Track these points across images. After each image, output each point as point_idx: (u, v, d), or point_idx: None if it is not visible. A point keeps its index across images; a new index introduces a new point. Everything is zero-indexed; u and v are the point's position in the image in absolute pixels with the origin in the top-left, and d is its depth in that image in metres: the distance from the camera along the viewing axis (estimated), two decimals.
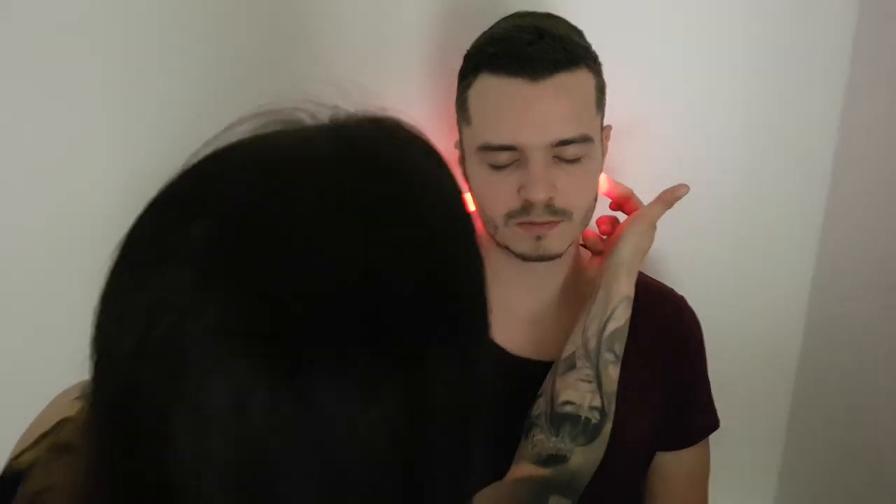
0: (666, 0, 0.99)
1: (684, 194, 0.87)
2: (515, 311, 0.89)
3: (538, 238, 0.80)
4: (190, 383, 0.37)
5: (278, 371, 0.37)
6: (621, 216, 0.91)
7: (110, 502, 0.41)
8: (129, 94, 0.88)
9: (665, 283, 0.97)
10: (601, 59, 0.82)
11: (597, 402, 0.78)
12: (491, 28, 0.83)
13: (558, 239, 0.81)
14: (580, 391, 0.78)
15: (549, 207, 0.78)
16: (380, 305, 0.38)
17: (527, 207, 0.78)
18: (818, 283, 1.14)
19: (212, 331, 0.37)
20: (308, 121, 0.45)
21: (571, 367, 0.79)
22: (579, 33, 0.82)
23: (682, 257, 1.10)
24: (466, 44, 0.83)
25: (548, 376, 0.81)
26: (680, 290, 0.96)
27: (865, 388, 1.05)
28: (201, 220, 0.39)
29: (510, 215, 0.80)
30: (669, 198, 0.87)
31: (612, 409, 0.79)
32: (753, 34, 1.02)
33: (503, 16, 0.84)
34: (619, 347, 0.81)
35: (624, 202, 0.90)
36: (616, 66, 0.85)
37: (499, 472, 0.78)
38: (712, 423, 0.95)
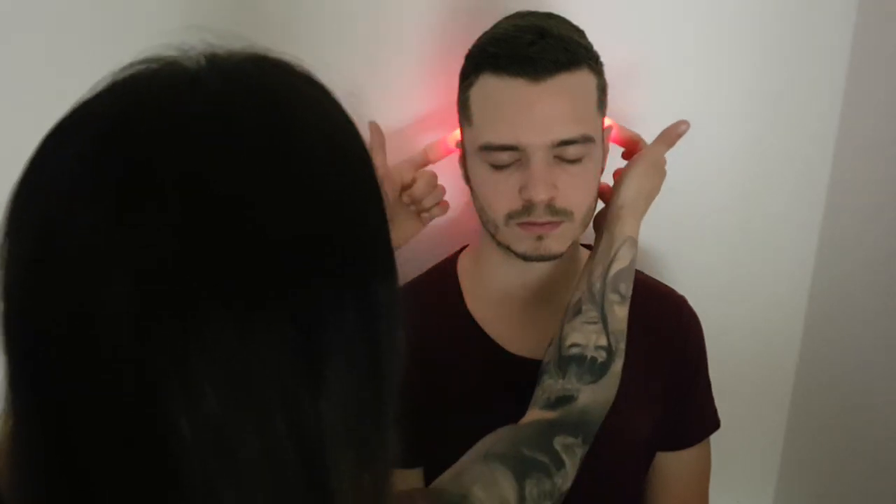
0: (666, 0, 0.99)
1: (685, 131, 0.87)
2: (515, 311, 0.89)
3: (539, 238, 0.80)
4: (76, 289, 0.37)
5: (157, 299, 0.36)
6: None
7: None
8: None
9: (665, 283, 0.97)
10: (602, 59, 0.82)
11: (602, 342, 0.76)
12: (492, 28, 0.82)
13: (559, 239, 0.81)
14: (585, 332, 0.77)
15: (550, 207, 0.78)
16: (249, 235, 0.38)
17: (528, 208, 0.78)
18: (818, 283, 1.14)
19: (92, 242, 0.37)
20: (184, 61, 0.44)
21: (577, 311, 0.78)
22: (580, 33, 0.82)
23: (682, 257, 1.10)
24: (467, 44, 0.83)
25: (559, 325, 0.80)
26: (680, 290, 0.96)
27: (865, 388, 1.05)
28: (72, 145, 0.40)
29: (511, 215, 0.80)
30: (671, 135, 0.87)
31: (620, 347, 0.77)
32: (753, 34, 1.02)
33: (504, 16, 0.84)
34: (625, 287, 0.79)
35: (632, 147, 0.90)
36: (616, 65, 0.85)
37: None
38: (712, 424, 0.95)
